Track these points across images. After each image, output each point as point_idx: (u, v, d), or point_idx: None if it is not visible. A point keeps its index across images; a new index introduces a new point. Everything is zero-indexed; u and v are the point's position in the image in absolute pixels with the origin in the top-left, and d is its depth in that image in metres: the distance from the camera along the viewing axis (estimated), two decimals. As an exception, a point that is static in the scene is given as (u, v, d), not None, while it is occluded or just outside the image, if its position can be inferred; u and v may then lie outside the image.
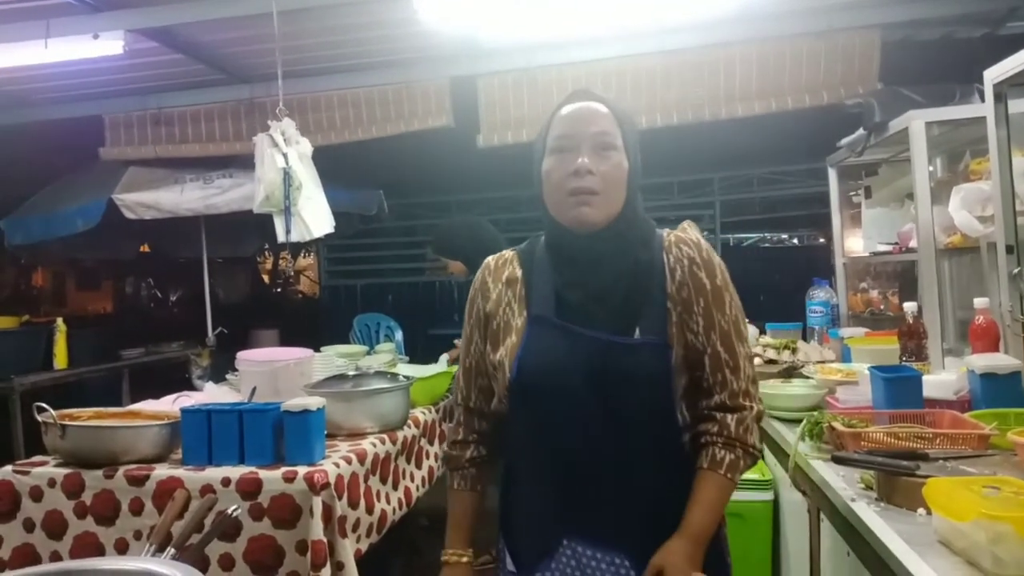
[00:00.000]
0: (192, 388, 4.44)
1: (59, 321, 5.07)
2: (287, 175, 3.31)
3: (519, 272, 1.48)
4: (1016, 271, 2.14)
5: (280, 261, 12.39)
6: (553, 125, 1.41)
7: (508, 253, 1.54)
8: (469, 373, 1.55)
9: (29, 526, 2.37)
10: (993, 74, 2.16)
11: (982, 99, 2.64)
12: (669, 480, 1.36)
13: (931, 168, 3.08)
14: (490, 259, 1.55)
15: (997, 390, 2.03)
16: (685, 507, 1.34)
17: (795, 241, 10.69)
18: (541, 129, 1.45)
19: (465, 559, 1.55)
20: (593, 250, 1.38)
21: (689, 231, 1.47)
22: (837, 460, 1.68)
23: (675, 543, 1.29)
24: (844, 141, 3.72)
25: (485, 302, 1.50)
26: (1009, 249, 2.15)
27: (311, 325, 8.01)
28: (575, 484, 1.36)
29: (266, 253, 11.42)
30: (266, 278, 12.30)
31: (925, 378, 2.16)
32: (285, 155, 3.31)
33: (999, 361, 2.08)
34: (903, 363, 2.49)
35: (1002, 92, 2.16)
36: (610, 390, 1.33)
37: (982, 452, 1.76)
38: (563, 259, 1.42)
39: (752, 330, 3.73)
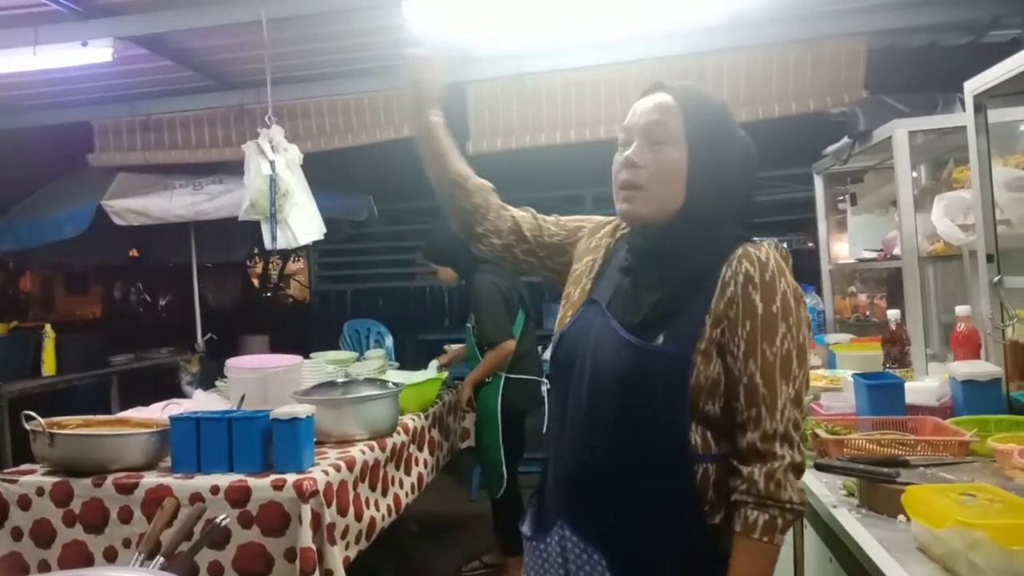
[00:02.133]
0: (181, 394, 4.45)
1: (48, 327, 5.06)
2: (273, 182, 3.32)
3: (608, 241, 1.49)
4: (996, 279, 2.17)
5: (270, 266, 12.36)
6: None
7: (616, 220, 1.52)
8: (547, 220, 1.60)
9: (17, 535, 2.37)
10: (973, 85, 2.19)
11: (964, 108, 2.68)
12: (665, 497, 1.28)
13: (915, 176, 3.11)
14: (603, 219, 1.56)
15: (978, 397, 2.06)
16: (678, 530, 1.28)
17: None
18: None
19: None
20: (645, 244, 1.37)
21: (765, 248, 1.33)
22: (820, 467, 1.70)
23: None
24: (830, 149, 3.76)
25: (575, 247, 1.54)
26: (989, 258, 2.18)
27: (301, 330, 7.99)
28: (575, 471, 1.36)
29: (256, 258, 11.40)
30: (256, 283, 12.28)
31: (908, 385, 2.18)
32: (272, 162, 3.32)
33: (980, 368, 2.11)
34: (887, 369, 2.52)
35: (982, 103, 2.18)
36: (625, 390, 1.30)
37: (962, 459, 1.79)
38: (628, 248, 1.42)
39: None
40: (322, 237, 3.72)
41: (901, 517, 1.45)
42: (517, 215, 1.60)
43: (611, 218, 1.53)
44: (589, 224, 1.57)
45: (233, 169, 4.91)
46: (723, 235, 1.33)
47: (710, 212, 1.32)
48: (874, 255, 3.47)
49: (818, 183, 4.19)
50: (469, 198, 1.61)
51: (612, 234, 1.50)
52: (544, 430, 1.54)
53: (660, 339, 1.28)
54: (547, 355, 1.59)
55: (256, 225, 3.73)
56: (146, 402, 3.13)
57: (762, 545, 1.23)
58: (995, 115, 2.25)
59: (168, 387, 5.09)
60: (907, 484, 1.47)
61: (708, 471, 1.28)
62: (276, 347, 5.57)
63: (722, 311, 1.28)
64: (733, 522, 1.25)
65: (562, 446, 1.39)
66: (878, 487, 1.54)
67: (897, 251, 3.10)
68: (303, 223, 3.48)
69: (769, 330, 1.26)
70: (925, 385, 2.25)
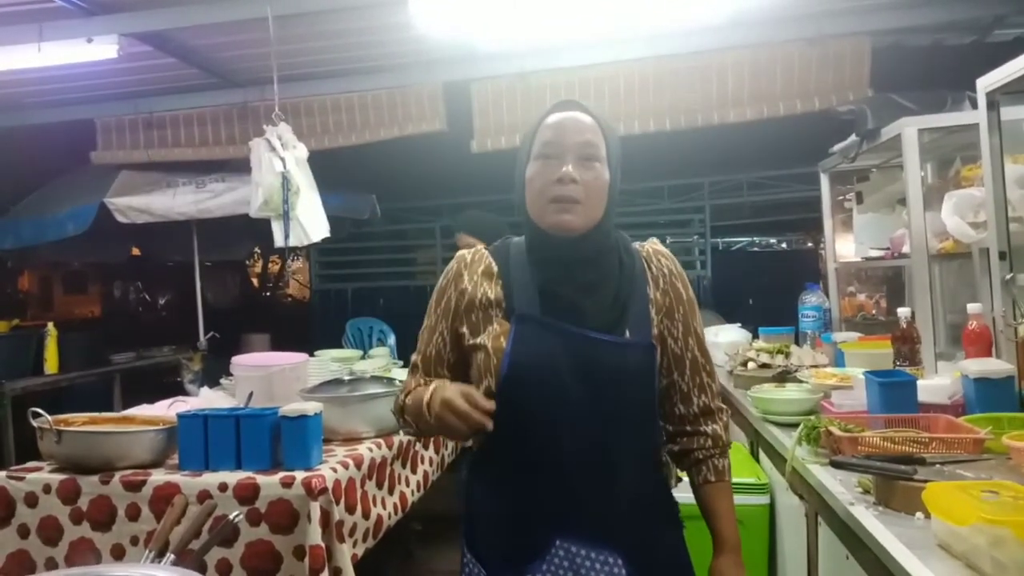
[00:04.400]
0: (183, 392, 4.43)
1: (50, 325, 5.05)
2: (285, 179, 3.30)
3: (495, 267, 1.48)
4: (1009, 276, 2.16)
5: (269, 265, 12.35)
6: (540, 132, 1.42)
7: (482, 249, 1.53)
8: (430, 361, 1.52)
9: (24, 532, 2.36)
10: (986, 82, 2.18)
11: (973, 106, 2.68)
12: (648, 479, 1.45)
13: (922, 174, 3.11)
14: (464, 252, 1.53)
15: (991, 394, 2.05)
16: (662, 505, 1.47)
17: (783, 245, 10.76)
18: (526, 135, 1.46)
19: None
20: (577, 250, 1.41)
21: (655, 243, 1.55)
22: (836, 464, 1.69)
23: (725, 560, 1.43)
24: (837, 147, 3.75)
25: (459, 290, 1.48)
26: (1002, 255, 2.18)
27: (302, 329, 7.98)
28: (564, 482, 1.36)
29: (255, 257, 11.39)
30: (255, 282, 12.26)
31: (920, 383, 2.18)
32: (283, 159, 3.30)
33: (993, 366, 2.10)
34: (897, 367, 2.52)
35: (995, 100, 2.18)
36: (600, 388, 1.35)
37: (977, 456, 1.78)
38: (546, 259, 1.42)
39: (744, 334, 3.76)
40: (329, 235, 3.71)
41: (919, 514, 1.44)
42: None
43: (465, 254, 1.51)
44: (450, 280, 1.50)
45: (236, 167, 4.91)
46: (624, 237, 1.51)
47: (613, 220, 1.46)
48: (881, 253, 3.47)
49: (824, 182, 4.18)
50: None
51: (488, 259, 1.49)
52: (475, 472, 1.48)
53: (627, 333, 1.39)
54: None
55: (256, 224, 3.72)
56: (148, 400, 3.11)
57: (728, 484, 1.49)
58: (1007, 113, 2.25)
59: (170, 385, 5.07)
60: (925, 481, 1.46)
61: (662, 444, 1.50)
62: (277, 346, 5.55)
63: (660, 300, 1.46)
64: (696, 475, 1.48)
65: (540, 463, 1.37)
66: (895, 484, 1.53)
67: (905, 249, 3.09)
68: (313, 221, 3.47)
69: (693, 311, 1.50)
70: (937, 383, 2.24)
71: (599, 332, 1.37)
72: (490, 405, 1.31)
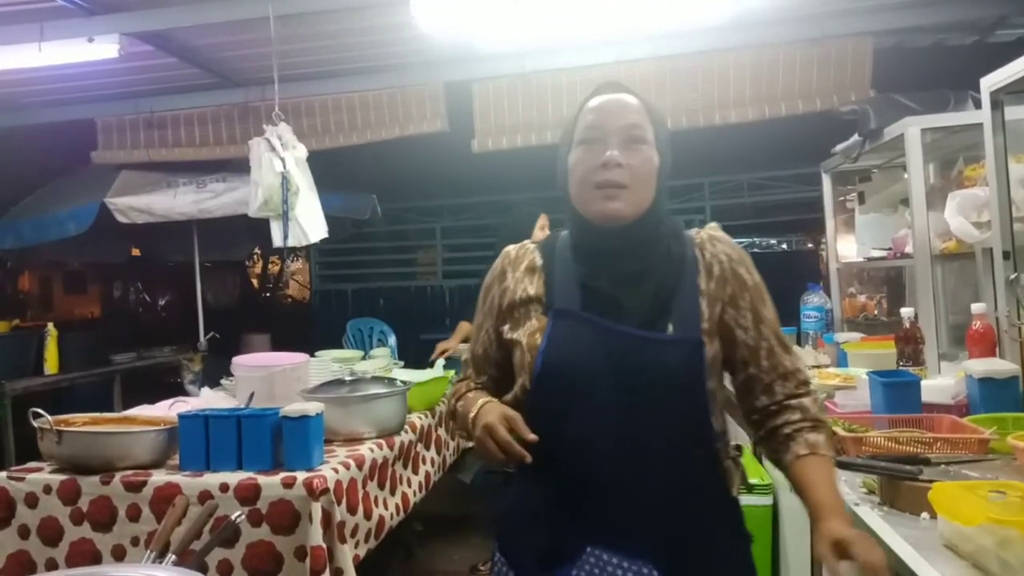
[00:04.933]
0: (184, 393, 4.42)
1: (50, 326, 5.04)
2: (285, 179, 3.30)
3: (539, 261, 1.43)
4: (1013, 276, 2.16)
5: (269, 266, 12.35)
6: (581, 116, 1.36)
7: (529, 244, 1.49)
8: (479, 360, 1.50)
9: (24, 533, 2.34)
10: (990, 82, 2.18)
11: (976, 106, 2.68)
12: (700, 486, 1.31)
13: (924, 174, 3.10)
14: (510, 248, 1.49)
15: (995, 394, 2.05)
16: (720, 514, 1.33)
17: (784, 246, 10.75)
18: (567, 121, 1.40)
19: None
20: (621, 241, 1.33)
21: (715, 229, 1.44)
22: (840, 465, 1.68)
23: (835, 520, 1.19)
24: (839, 147, 3.75)
25: (502, 288, 1.45)
26: (1006, 255, 2.17)
27: (302, 330, 7.98)
28: (597, 486, 1.29)
29: (255, 257, 11.39)
30: (255, 282, 12.26)
31: (924, 383, 2.17)
32: (283, 159, 3.30)
33: (997, 366, 2.10)
34: (900, 368, 2.51)
35: (999, 100, 2.18)
36: (640, 388, 1.27)
37: (982, 456, 1.77)
38: (589, 252, 1.36)
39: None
40: (328, 235, 3.70)
41: (924, 515, 1.44)
42: (489, 388, 1.49)
43: (510, 250, 1.48)
44: (495, 278, 1.48)
45: (237, 167, 4.91)
46: (678, 223, 1.42)
47: (664, 207, 1.38)
48: (883, 253, 3.46)
49: (826, 182, 4.18)
50: None
51: (534, 253, 1.45)
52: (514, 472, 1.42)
53: (670, 328, 1.30)
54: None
55: (257, 224, 3.71)
56: (148, 401, 3.10)
57: (828, 459, 1.31)
58: (1011, 112, 2.24)
59: (170, 386, 5.07)
60: (931, 482, 1.46)
61: (721, 447, 1.36)
62: (278, 346, 5.55)
63: (715, 290, 1.35)
64: (786, 453, 1.32)
65: (576, 466, 1.30)
66: (901, 485, 1.53)
67: (908, 249, 3.09)
68: (312, 221, 3.47)
69: (762, 296, 1.38)
70: (940, 383, 2.24)
71: (639, 328, 1.29)
72: (532, 437, 1.27)
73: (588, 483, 1.30)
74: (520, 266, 1.44)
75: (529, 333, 1.36)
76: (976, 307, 2.33)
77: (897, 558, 1.31)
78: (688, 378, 1.28)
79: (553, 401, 1.31)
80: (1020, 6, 3.95)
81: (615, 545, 1.28)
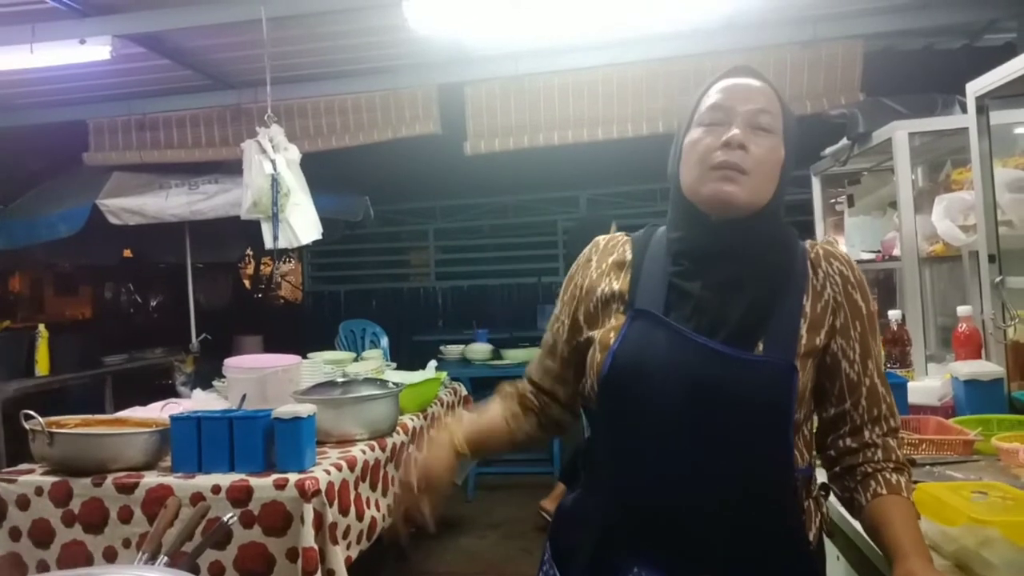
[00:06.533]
0: (176, 395, 4.42)
1: (41, 327, 5.03)
2: (275, 181, 3.31)
3: (629, 255, 1.31)
4: (998, 279, 2.18)
5: (261, 267, 12.32)
6: (705, 97, 1.24)
7: (620, 236, 1.37)
8: (543, 349, 1.42)
9: (15, 535, 2.35)
10: (976, 86, 2.20)
11: (963, 110, 2.70)
12: (766, 524, 1.18)
13: (913, 177, 3.13)
14: (600, 238, 1.39)
15: (981, 396, 2.07)
16: (790, 555, 1.19)
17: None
18: (688, 102, 1.28)
19: (459, 448, 1.35)
20: (726, 238, 1.20)
21: (838, 246, 1.33)
22: (820, 466, 1.70)
23: (915, 560, 1.09)
24: (828, 150, 3.77)
25: (584, 279, 1.34)
26: (991, 258, 2.20)
27: (294, 331, 7.97)
28: (655, 507, 1.18)
29: (248, 259, 11.37)
30: (247, 284, 12.23)
31: (910, 384, 2.19)
32: (273, 161, 3.31)
33: (983, 368, 2.12)
34: (888, 370, 2.53)
35: (984, 104, 2.20)
36: (717, 409, 1.15)
37: (967, 457, 1.80)
38: (687, 249, 1.24)
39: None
40: (320, 237, 3.71)
41: (909, 515, 1.45)
42: (541, 382, 1.42)
43: (600, 240, 1.39)
44: (579, 267, 1.38)
45: (229, 169, 4.90)
46: (792, 231, 1.28)
47: (781, 208, 1.25)
48: (872, 256, 3.49)
49: (815, 185, 4.20)
50: (535, 422, 1.44)
51: (625, 246, 1.34)
52: (589, 465, 1.35)
53: (760, 347, 1.17)
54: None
55: (249, 226, 3.71)
56: (140, 402, 3.11)
57: (911, 503, 1.19)
58: (996, 117, 2.27)
59: (162, 387, 5.07)
60: (915, 482, 1.47)
61: (801, 484, 1.23)
62: (270, 348, 5.55)
63: (820, 315, 1.22)
64: (863, 493, 1.20)
65: (633, 480, 1.21)
66: (886, 485, 1.54)
67: (896, 252, 3.11)
68: (304, 223, 3.47)
69: (874, 328, 1.25)
70: (927, 385, 2.26)
71: (724, 343, 1.16)
72: (431, 523, 1.25)
73: (644, 501, 1.20)
74: (608, 258, 1.33)
75: (604, 331, 1.26)
76: (962, 310, 2.35)
77: (881, 558, 1.32)
78: (772, 406, 1.16)
79: (617, 407, 1.22)
80: (1009, 11, 3.98)
81: (666, 571, 1.18)
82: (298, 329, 8.27)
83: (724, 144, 1.17)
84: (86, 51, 3.68)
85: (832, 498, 1.35)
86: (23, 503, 2.35)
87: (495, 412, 1.43)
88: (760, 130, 1.19)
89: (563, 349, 1.36)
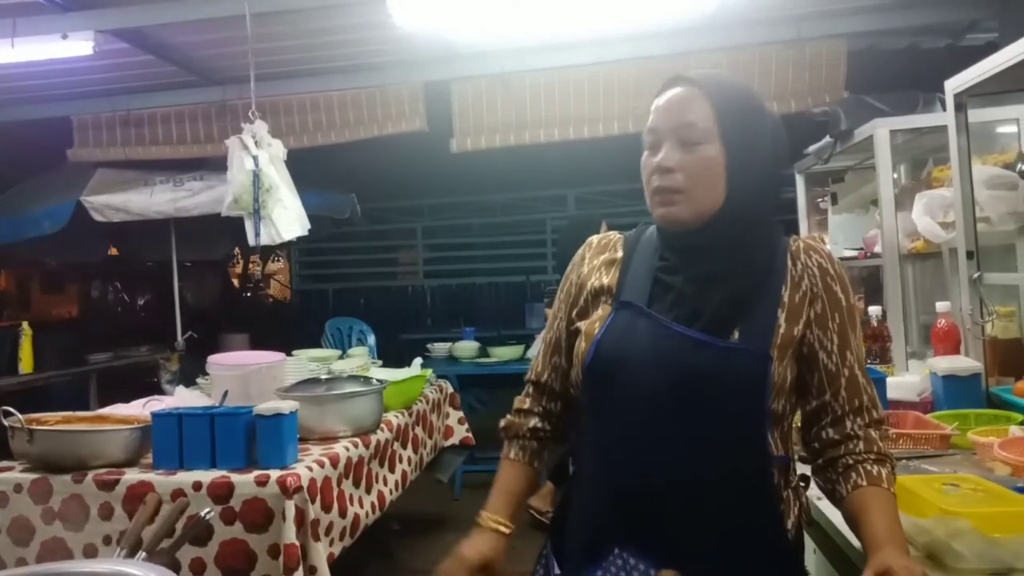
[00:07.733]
0: (161, 392, 4.40)
1: (24, 324, 4.99)
2: (256, 177, 3.29)
3: (620, 254, 1.36)
4: (976, 276, 2.20)
5: (250, 265, 12.27)
6: (650, 117, 1.29)
7: (614, 234, 1.42)
8: (548, 347, 1.45)
9: (-6, 532, 2.33)
10: (954, 84, 2.22)
11: (943, 107, 2.72)
12: (742, 510, 1.20)
13: (895, 175, 3.15)
14: (594, 237, 1.44)
15: (958, 391, 2.09)
16: (767, 543, 1.21)
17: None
18: None
19: (504, 529, 1.36)
20: (696, 243, 1.25)
21: (818, 241, 1.35)
22: (804, 460, 1.71)
23: (890, 551, 1.11)
24: (811, 148, 3.79)
25: (578, 276, 1.40)
26: (969, 255, 2.22)
27: (282, 329, 7.95)
28: (636, 490, 1.22)
29: (236, 257, 11.32)
30: (236, 282, 12.18)
31: (889, 380, 2.21)
32: (255, 157, 3.29)
33: (960, 363, 2.14)
34: (868, 365, 2.54)
35: (962, 102, 2.22)
36: (694, 396, 1.19)
37: (943, 452, 1.81)
38: (668, 248, 1.29)
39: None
40: (306, 233, 3.70)
41: (884, 508, 1.46)
42: (551, 383, 1.44)
43: (594, 239, 1.43)
44: (575, 265, 1.43)
45: (214, 166, 4.89)
46: (769, 226, 1.30)
47: (750, 204, 1.25)
48: (855, 253, 3.51)
49: (800, 183, 4.22)
50: (550, 443, 1.46)
51: (616, 245, 1.39)
52: (574, 449, 1.40)
53: (736, 335, 1.20)
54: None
55: (236, 224, 3.70)
56: (125, 400, 3.09)
57: (891, 494, 1.21)
58: (973, 115, 2.28)
59: (147, 385, 5.04)
60: (894, 475, 1.49)
61: (779, 473, 1.25)
62: (257, 346, 5.53)
63: (798, 305, 1.24)
64: (843, 484, 1.23)
65: (616, 464, 1.25)
66: (862, 479, 1.55)
67: (878, 249, 3.13)
68: (287, 219, 3.46)
69: (853, 321, 1.27)
70: (906, 380, 2.28)
71: (702, 331, 1.20)
72: None
73: (628, 485, 1.23)
74: (601, 256, 1.39)
75: (590, 322, 1.30)
76: (941, 306, 2.37)
77: (856, 552, 1.33)
78: (744, 391, 1.19)
79: (601, 393, 1.26)
80: (991, 11, 4.02)
81: (645, 552, 1.21)
82: (286, 327, 8.25)
83: (655, 170, 1.23)
84: (68, 46, 3.66)
85: (812, 491, 1.36)
86: (2, 500, 2.33)
87: (507, 467, 1.44)
88: (689, 144, 1.22)
89: (564, 345, 1.41)
